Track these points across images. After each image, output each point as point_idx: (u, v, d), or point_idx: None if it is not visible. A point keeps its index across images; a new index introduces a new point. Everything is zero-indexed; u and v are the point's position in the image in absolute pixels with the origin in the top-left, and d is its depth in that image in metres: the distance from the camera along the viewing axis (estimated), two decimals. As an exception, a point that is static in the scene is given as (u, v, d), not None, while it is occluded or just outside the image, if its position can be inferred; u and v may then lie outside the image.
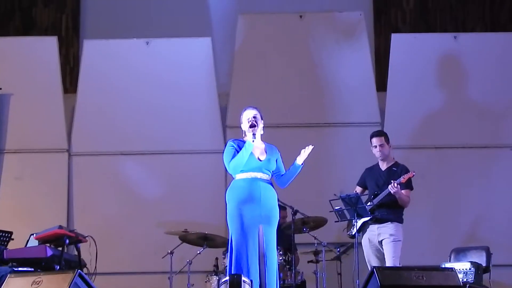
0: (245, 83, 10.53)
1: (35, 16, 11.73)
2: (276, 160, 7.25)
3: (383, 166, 8.42)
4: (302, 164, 7.23)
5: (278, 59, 10.72)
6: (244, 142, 7.13)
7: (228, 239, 7.14)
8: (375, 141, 8.43)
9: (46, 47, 10.82)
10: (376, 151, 8.42)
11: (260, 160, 7.13)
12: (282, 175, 7.32)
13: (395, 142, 8.96)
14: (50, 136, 10.48)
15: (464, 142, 10.34)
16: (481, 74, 10.64)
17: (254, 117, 7.17)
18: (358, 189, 8.50)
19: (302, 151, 7.19)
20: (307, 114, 10.56)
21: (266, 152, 7.19)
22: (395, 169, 8.31)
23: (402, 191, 8.09)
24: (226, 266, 7.50)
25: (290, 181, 7.29)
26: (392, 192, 8.00)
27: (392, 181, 8.03)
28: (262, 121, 7.23)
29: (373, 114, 10.48)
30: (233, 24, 10.92)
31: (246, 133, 7.17)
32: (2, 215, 9.57)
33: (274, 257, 7.07)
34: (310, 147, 7.22)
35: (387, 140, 8.45)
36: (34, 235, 8.24)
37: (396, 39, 10.80)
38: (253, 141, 7.03)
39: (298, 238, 8.70)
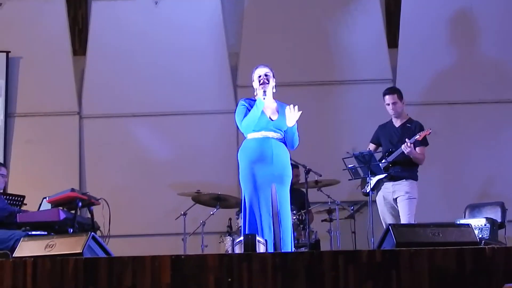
0: (255, 42, 10.49)
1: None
2: (287, 128, 7.12)
3: (397, 123, 8.40)
4: (294, 124, 7.07)
5: (288, 18, 10.67)
6: (255, 100, 7.07)
7: (241, 199, 7.14)
8: (388, 98, 8.40)
9: (54, 9, 10.83)
10: (390, 109, 8.39)
11: (272, 120, 7.07)
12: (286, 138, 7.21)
13: (408, 98, 8.89)
14: (60, 99, 10.52)
15: (478, 98, 10.30)
16: (493, 29, 10.59)
17: (266, 75, 7.11)
18: (372, 147, 8.50)
19: (287, 111, 7.03)
20: (319, 72, 10.53)
21: (278, 112, 7.12)
22: (409, 125, 8.30)
23: (417, 148, 8.09)
24: (240, 226, 7.50)
25: (292, 142, 7.16)
26: (406, 152, 8.01)
27: (406, 139, 8.03)
28: (274, 79, 7.16)
29: (385, 71, 10.44)
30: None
31: (257, 91, 7.12)
32: (14, 179, 9.61)
33: (288, 216, 7.05)
34: (296, 109, 7.02)
35: (400, 97, 8.41)
36: (47, 198, 8.28)
37: (408, -5, 10.73)
38: (263, 98, 6.99)
39: (312, 197, 8.75)
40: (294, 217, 8.36)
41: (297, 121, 7.05)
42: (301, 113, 7.03)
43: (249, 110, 7.05)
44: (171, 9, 10.78)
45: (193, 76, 10.55)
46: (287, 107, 7.03)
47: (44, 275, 5.67)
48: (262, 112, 7.03)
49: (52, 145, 10.38)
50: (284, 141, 7.13)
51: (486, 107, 10.30)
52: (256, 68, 7.23)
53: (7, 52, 10.57)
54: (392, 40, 10.68)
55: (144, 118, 10.50)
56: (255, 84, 7.15)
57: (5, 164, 9.33)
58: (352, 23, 10.63)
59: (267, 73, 7.14)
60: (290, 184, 7.21)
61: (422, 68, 10.46)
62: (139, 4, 10.79)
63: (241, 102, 7.24)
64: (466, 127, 10.20)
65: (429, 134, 8.14)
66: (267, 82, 7.08)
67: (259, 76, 7.12)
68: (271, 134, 7.06)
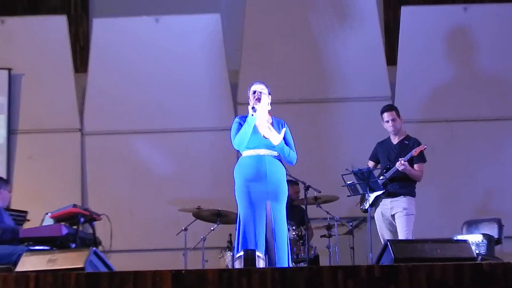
0: (255, 60, 10.53)
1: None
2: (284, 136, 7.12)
3: (395, 140, 8.41)
4: (279, 142, 7.05)
5: (288, 36, 10.73)
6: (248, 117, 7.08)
7: (237, 216, 7.15)
8: (386, 115, 8.41)
9: (56, 26, 10.87)
10: (388, 126, 8.39)
11: (266, 138, 7.05)
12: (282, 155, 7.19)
13: (406, 116, 8.94)
14: (62, 116, 10.55)
15: (475, 115, 10.36)
16: (492, 45, 10.64)
17: (260, 92, 7.10)
18: (370, 164, 8.51)
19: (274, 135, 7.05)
20: (318, 90, 10.58)
21: (271, 131, 7.11)
22: (406, 142, 8.31)
23: (415, 165, 8.12)
24: (234, 242, 7.52)
25: (286, 159, 7.14)
26: (400, 169, 8.04)
27: (400, 158, 8.06)
28: (270, 96, 7.15)
29: (384, 88, 10.48)
30: (241, 1, 10.90)
31: (250, 106, 7.06)
32: (16, 195, 9.60)
33: (283, 233, 7.04)
34: (272, 129, 7.09)
35: (398, 114, 8.42)
36: (49, 214, 8.31)
37: (406, 11, 10.78)
38: (252, 114, 6.94)
39: (311, 213, 8.73)
40: (294, 233, 8.40)
41: (285, 138, 7.09)
42: (284, 130, 7.09)
43: (242, 125, 7.04)
44: (171, 26, 10.84)
45: (193, 93, 10.60)
46: (274, 134, 7.04)
47: (46, 289, 5.70)
48: (256, 130, 7.03)
49: (54, 161, 10.40)
50: (279, 158, 7.13)
51: (485, 124, 10.34)
52: (252, 85, 7.22)
53: (9, 69, 10.61)
54: (391, 57, 10.73)
55: (146, 135, 10.54)
56: (251, 100, 7.11)
57: (8, 181, 9.37)
58: (351, 41, 10.67)
59: (262, 90, 7.11)
60: (286, 201, 7.20)
61: (421, 85, 10.50)
62: (140, 21, 10.85)
63: (236, 119, 7.25)
64: (464, 144, 10.22)
65: (424, 149, 8.15)
66: (260, 99, 7.07)
67: (254, 92, 7.11)
68: (265, 151, 7.04)
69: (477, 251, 7.88)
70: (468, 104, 10.39)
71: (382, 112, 8.46)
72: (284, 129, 7.09)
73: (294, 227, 8.44)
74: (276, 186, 7.05)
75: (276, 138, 7.01)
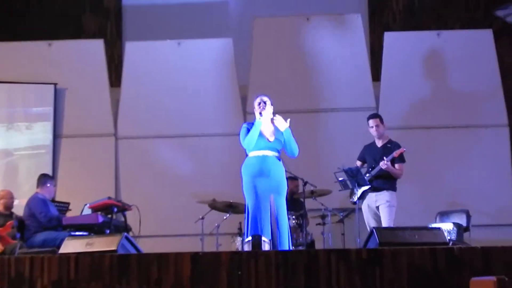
0: (261, 76, 10.50)
1: (84, 23, 11.71)
2: (284, 140, 7.16)
3: (379, 143, 8.40)
4: (286, 129, 7.12)
5: (289, 55, 10.72)
6: (254, 123, 7.15)
7: (245, 206, 7.18)
8: (371, 122, 8.42)
9: (94, 48, 10.88)
10: (373, 131, 8.40)
11: (270, 141, 7.10)
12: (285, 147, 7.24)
13: (388, 123, 8.91)
14: (99, 123, 10.53)
15: (447, 123, 10.32)
16: (461, 64, 10.61)
17: (264, 102, 7.15)
18: (358, 163, 8.47)
19: (276, 119, 7.12)
20: (314, 102, 10.55)
21: (274, 135, 7.16)
22: (389, 145, 8.30)
23: (396, 165, 8.11)
24: (244, 229, 7.51)
25: (291, 149, 7.16)
26: (383, 168, 8.01)
27: (384, 157, 8.04)
28: (272, 106, 7.19)
29: (369, 100, 10.43)
30: (250, 26, 10.88)
31: (256, 114, 7.16)
32: (60, 189, 9.60)
33: (285, 221, 7.07)
34: (280, 118, 7.13)
35: (381, 121, 8.44)
36: (88, 204, 8.29)
37: (388, 36, 10.77)
38: (259, 118, 7.06)
39: (308, 204, 8.75)
40: (294, 221, 8.34)
41: (290, 128, 7.11)
42: (289, 120, 7.12)
43: (250, 130, 7.12)
44: (191, 48, 10.83)
45: (209, 104, 10.58)
46: (276, 115, 7.12)
47: (84, 268, 5.67)
48: (262, 134, 7.08)
49: (92, 161, 10.39)
50: (279, 158, 7.16)
51: (456, 131, 10.31)
52: (257, 97, 7.28)
53: (55, 84, 10.57)
54: (376, 74, 10.69)
55: (169, 139, 10.48)
56: (256, 110, 7.19)
57: (53, 177, 9.35)
58: (343, 60, 10.65)
59: (265, 101, 7.17)
60: (287, 194, 7.26)
61: (401, 97, 10.47)
62: (164, 44, 10.84)
63: (244, 125, 7.32)
64: (438, 148, 10.18)
65: (403, 151, 8.15)
66: (265, 106, 7.11)
67: (259, 103, 7.17)
68: (269, 152, 7.10)
69: (449, 237, 7.82)
70: (441, 113, 10.35)
71: (368, 119, 8.48)
72: (288, 120, 7.13)
73: (294, 216, 8.39)
74: (278, 181, 7.09)
75: (283, 124, 7.10)
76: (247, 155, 7.23)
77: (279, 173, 7.13)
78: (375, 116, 8.58)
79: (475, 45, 10.68)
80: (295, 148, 7.16)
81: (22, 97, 10.51)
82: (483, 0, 11.60)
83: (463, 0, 11.60)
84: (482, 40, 10.68)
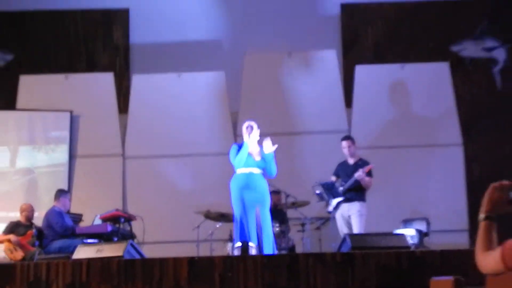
0: (250, 104, 10.49)
1: (96, 58, 11.71)
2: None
3: (351, 161, 8.45)
4: (271, 153, 7.18)
5: (273, 86, 10.73)
6: (242, 144, 7.25)
7: (233, 216, 7.27)
8: (344, 143, 8.53)
9: (105, 80, 10.88)
10: (346, 151, 8.49)
11: (256, 160, 7.20)
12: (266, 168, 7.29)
13: (359, 144, 8.98)
14: (109, 145, 10.47)
15: (410, 143, 10.32)
16: (422, 93, 10.65)
17: (251, 126, 7.27)
18: (333, 178, 8.50)
19: (265, 142, 7.16)
20: (295, 125, 10.55)
21: (260, 154, 7.21)
22: (359, 163, 8.36)
23: (366, 178, 8.12)
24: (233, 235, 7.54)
25: (271, 170, 7.26)
26: (358, 179, 8.04)
27: (359, 169, 8.07)
28: (258, 130, 7.28)
29: (343, 124, 10.42)
30: (240, 61, 10.89)
31: (244, 137, 7.26)
32: (75, 203, 9.51)
33: (269, 228, 7.13)
34: (270, 143, 7.17)
35: (353, 142, 8.56)
36: (98, 215, 8.28)
37: (359, 69, 10.79)
38: (247, 140, 7.17)
39: (290, 214, 8.73)
40: (277, 229, 8.32)
41: (274, 152, 7.21)
42: (276, 146, 7.21)
43: (239, 150, 7.19)
44: (189, 80, 10.84)
45: (205, 128, 10.54)
46: (266, 139, 7.17)
47: (95, 272, 5.67)
48: (249, 154, 7.15)
49: (103, 178, 10.30)
50: (264, 175, 7.25)
51: (417, 149, 10.30)
52: (245, 122, 7.40)
53: (71, 112, 10.54)
54: (348, 101, 10.68)
55: (170, 158, 10.42)
56: (244, 133, 7.30)
57: (69, 192, 9.32)
58: (319, 90, 10.67)
59: (252, 125, 7.27)
60: (271, 206, 7.36)
61: (370, 121, 10.47)
62: (166, 76, 10.84)
63: (233, 145, 7.45)
64: (402, 164, 10.17)
65: (372, 168, 8.21)
66: (252, 130, 7.22)
67: (247, 127, 7.27)
68: (255, 170, 7.20)
69: (411, 242, 7.81)
70: (405, 135, 10.37)
71: (341, 140, 8.61)
72: (276, 146, 7.20)
73: (277, 225, 8.37)
74: (263, 195, 7.21)
75: (270, 148, 7.18)
76: (234, 172, 7.26)
77: (263, 187, 7.23)
78: (348, 138, 8.72)
79: (434, 76, 10.72)
80: (274, 169, 7.25)
81: (42, 123, 10.47)
82: (440, 37, 11.61)
83: (423, 37, 11.63)
84: (440, 72, 10.73)
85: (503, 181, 2.75)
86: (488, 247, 2.68)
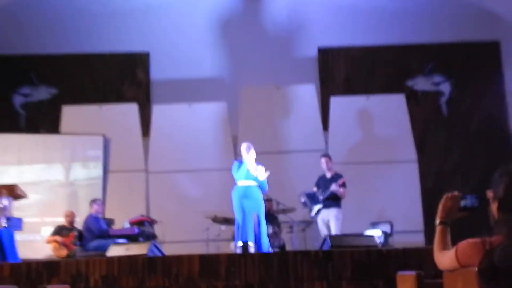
0: (247, 129, 10.44)
1: (124, 91, 11.72)
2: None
3: (328, 175, 8.43)
4: (263, 179, 7.16)
5: (265, 113, 10.69)
6: (241, 162, 7.25)
7: (235, 220, 7.22)
8: (323, 160, 8.53)
9: (131, 110, 10.83)
10: (324, 166, 8.47)
11: (253, 175, 7.16)
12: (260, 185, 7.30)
13: (335, 160, 8.93)
14: (135, 162, 10.38)
15: (375, 160, 10.26)
16: (383, 118, 10.62)
17: (249, 147, 7.25)
18: (315, 189, 8.47)
19: (258, 170, 7.14)
20: (282, 145, 10.50)
21: (256, 170, 7.19)
22: (335, 176, 8.33)
23: (340, 189, 8.10)
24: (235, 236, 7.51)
25: (263, 188, 7.24)
26: (334, 191, 8.01)
27: (333, 183, 8.04)
28: (254, 150, 7.28)
29: (321, 144, 10.38)
30: (238, 93, 10.88)
31: (243, 156, 7.23)
32: (108, 209, 9.45)
33: (264, 231, 7.10)
34: (263, 170, 7.16)
35: (330, 159, 8.54)
36: (127, 220, 8.23)
37: (333, 99, 10.77)
38: (246, 159, 7.15)
39: (280, 218, 8.69)
40: (271, 230, 8.27)
41: (266, 176, 7.21)
42: (269, 173, 7.20)
43: (239, 167, 7.19)
44: (198, 109, 10.79)
45: (211, 148, 10.48)
46: (259, 166, 7.15)
47: (124, 267, 5.64)
48: (248, 169, 7.13)
49: (130, 189, 10.22)
50: (259, 186, 7.23)
51: (381, 165, 10.22)
52: (243, 143, 7.38)
53: (103, 135, 10.48)
54: (325, 125, 10.64)
55: (184, 173, 10.33)
56: (242, 152, 7.26)
57: (102, 200, 9.28)
58: (300, 116, 10.64)
59: (250, 147, 7.24)
60: (265, 211, 7.31)
61: (343, 141, 10.42)
62: (179, 106, 10.79)
63: (235, 162, 7.43)
64: (369, 177, 10.07)
65: (345, 180, 8.21)
66: (249, 150, 7.21)
67: (246, 148, 7.25)
68: (252, 183, 7.16)
69: (379, 241, 7.78)
70: (370, 153, 10.31)
71: (320, 157, 8.60)
72: (268, 173, 7.17)
73: (270, 227, 8.32)
74: (258, 203, 7.18)
75: (262, 175, 7.16)
76: (235, 184, 7.23)
77: (259, 197, 7.19)
78: (326, 155, 8.68)
79: (392, 105, 10.69)
80: (265, 187, 7.23)
81: (81, 144, 10.40)
82: (397, 73, 11.69)
83: (383, 74, 11.70)
84: (397, 101, 10.71)
85: (454, 192, 2.72)
86: (444, 247, 2.66)
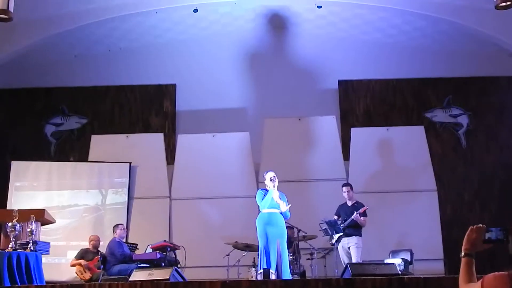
0: (269, 157, 10.34)
1: (150, 122, 11.74)
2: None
3: (349, 203, 8.28)
4: (286, 210, 7.05)
5: (287, 143, 10.56)
6: (266, 190, 7.09)
7: (258, 247, 7.06)
8: (344, 188, 8.38)
9: (157, 139, 10.81)
10: (345, 195, 8.33)
11: (277, 202, 7.03)
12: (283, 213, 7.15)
13: (356, 189, 8.74)
14: (159, 189, 10.32)
15: (396, 189, 10.07)
16: (403, 149, 10.46)
17: (274, 176, 7.13)
18: (335, 217, 8.31)
19: (282, 205, 7.01)
20: (304, 174, 10.33)
21: (280, 198, 7.06)
22: (356, 205, 8.19)
23: (361, 218, 7.91)
24: (258, 263, 7.31)
25: (286, 216, 7.10)
26: (355, 219, 7.84)
27: (355, 212, 7.86)
28: (277, 179, 7.13)
29: (342, 173, 10.20)
30: (261, 124, 10.80)
31: (268, 185, 7.09)
32: (131, 234, 9.41)
33: (286, 257, 6.91)
34: (285, 204, 7.05)
35: (351, 188, 8.37)
36: (150, 245, 8.09)
37: (354, 131, 10.66)
38: (272, 188, 7.03)
39: (301, 245, 8.47)
40: (291, 257, 8.06)
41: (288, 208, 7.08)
42: (290, 205, 7.08)
43: (265, 195, 7.04)
44: (222, 139, 10.72)
45: (234, 176, 10.35)
46: (282, 203, 7.03)
47: (147, 291, 5.45)
48: (272, 198, 7.00)
49: (154, 215, 10.13)
50: (282, 213, 7.07)
51: (400, 194, 10.04)
52: (267, 172, 7.24)
53: (130, 163, 10.44)
54: (346, 155, 10.47)
55: (207, 200, 10.21)
56: (267, 181, 7.12)
57: (126, 225, 9.17)
58: (322, 147, 10.49)
59: (275, 176, 7.13)
60: (287, 238, 7.09)
61: (363, 172, 10.24)
62: (204, 136, 10.72)
63: (259, 191, 7.26)
64: (389, 206, 9.90)
65: (366, 208, 8.02)
66: (275, 180, 7.04)
67: (271, 178, 7.10)
68: (276, 210, 7.02)
69: (399, 269, 7.53)
70: (391, 182, 10.12)
71: (342, 186, 8.44)
72: (289, 205, 7.06)
73: (291, 254, 8.12)
74: (282, 230, 7.01)
75: (284, 207, 7.04)
76: (259, 211, 7.09)
77: (282, 224, 7.04)
78: (347, 184, 8.54)
79: (412, 136, 10.55)
80: (288, 215, 7.10)
81: (108, 171, 10.38)
82: (416, 106, 11.60)
83: (403, 106, 11.61)
84: (417, 133, 10.57)
85: (479, 225, 2.63)
86: (469, 279, 2.57)
